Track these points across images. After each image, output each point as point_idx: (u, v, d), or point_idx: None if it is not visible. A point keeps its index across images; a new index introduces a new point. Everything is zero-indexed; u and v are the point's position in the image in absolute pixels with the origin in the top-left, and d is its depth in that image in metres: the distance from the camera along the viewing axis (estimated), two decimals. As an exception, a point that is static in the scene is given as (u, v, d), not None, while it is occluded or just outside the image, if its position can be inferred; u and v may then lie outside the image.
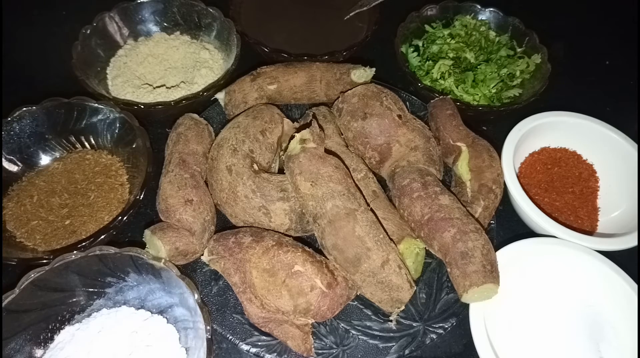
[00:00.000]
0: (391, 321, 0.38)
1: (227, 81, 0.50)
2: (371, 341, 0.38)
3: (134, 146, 0.45)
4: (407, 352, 0.37)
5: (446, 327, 0.38)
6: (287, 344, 0.36)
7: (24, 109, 0.45)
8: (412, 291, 0.36)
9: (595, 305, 0.40)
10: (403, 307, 0.36)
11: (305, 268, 0.35)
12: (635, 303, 0.38)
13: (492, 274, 0.36)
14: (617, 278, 0.39)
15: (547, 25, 0.56)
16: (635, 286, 0.39)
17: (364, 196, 0.38)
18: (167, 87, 0.52)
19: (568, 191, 0.47)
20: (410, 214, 0.40)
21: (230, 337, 0.37)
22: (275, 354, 0.36)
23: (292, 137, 0.39)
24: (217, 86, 0.49)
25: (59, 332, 0.36)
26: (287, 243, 0.37)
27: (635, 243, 0.41)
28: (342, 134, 0.46)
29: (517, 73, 0.54)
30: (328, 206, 0.35)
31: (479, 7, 0.59)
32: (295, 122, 0.46)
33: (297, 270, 0.35)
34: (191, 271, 0.41)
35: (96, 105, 0.46)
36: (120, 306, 0.38)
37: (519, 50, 0.57)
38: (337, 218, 0.35)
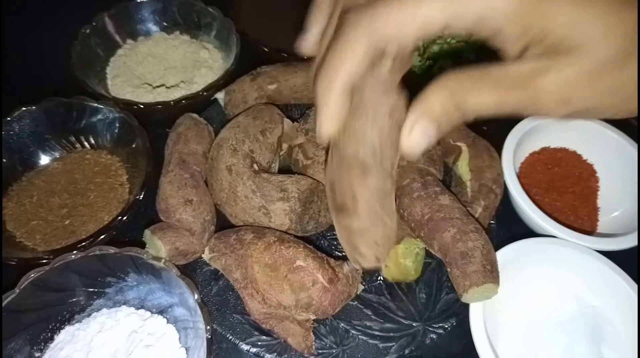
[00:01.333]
0: (392, 321, 0.38)
1: (226, 80, 0.50)
2: (371, 341, 0.38)
3: (133, 146, 0.45)
4: (407, 351, 0.37)
5: (446, 327, 0.38)
6: (288, 341, 0.36)
7: (24, 109, 0.45)
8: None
9: (596, 305, 0.40)
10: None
11: (307, 263, 0.35)
12: (635, 303, 0.38)
13: (492, 274, 0.36)
14: (618, 279, 0.39)
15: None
16: (636, 286, 0.39)
17: None
18: (166, 87, 0.52)
19: (568, 191, 0.47)
20: (410, 214, 0.40)
21: (230, 337, 0.37)
22: (275, 354, 0.36)
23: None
24: (216, 86, 0.49)
25: (59, 331, 0.36)
26: (288, 239, 0.37)
27: (636, 243, 0.41)
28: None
29: (517, 73, 0.54)
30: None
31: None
32: (295, 122, 0.46)
33: (299, 264, 0.35)
34: (191, 271, 0.41)
35: (96, 105, 0.46)
36: (120, 306, 0.38)
37: (519, 50, 0.57)
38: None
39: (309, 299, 0.35)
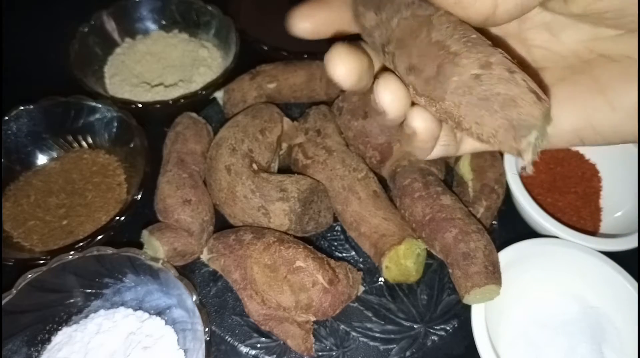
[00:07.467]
0: (393, 323, 0.38)
1: (226, 79, 0.49)
2: (372, 343, 0.37)
3: (131, 145, 0.45)
4: (408, 353, 0.37)
5: (448, 328, 0.38)
6: (287, 343, 0.36)
7: (21, 108, 0.44)
8: (541, 104, 0.19)
9: (598, 306, 0.40)
10: (535, 134, 0.20)
11: (307, 263, 0.35)
12: (637, 304, 0.38)
13: (494, 275, 0.35)
14: (620, 279, 0.39)
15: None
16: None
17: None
18: (165, 86, 0.52)
19: (571, 191, 0.47)
20: (411, 215, 0.39)
21: (229, 339, 0.37)
22: (275, 356, 0.36)
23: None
24: (215, 85, 0.49)
25: (56, 333, 0.36)
26: (288, 240, 0.37)
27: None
28: (343, 134, 0.46)
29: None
30: (394, 24, 0.23)
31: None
32: (295, 122, 0.46)
33: (299, 265, 0.35)
34: (189, 272, 0.40)
35: (94, 104, 0.45)
36: (117, 307, 0.38)
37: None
38: (407, 32, 0.22)
39: (308, 300, 0.35)
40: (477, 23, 0.21)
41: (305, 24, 0.24)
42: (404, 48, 0.22)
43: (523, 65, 0.24)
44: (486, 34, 0.21)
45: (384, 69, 0.24)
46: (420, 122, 0.22)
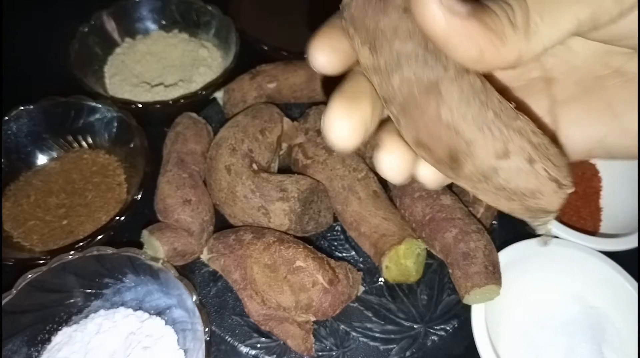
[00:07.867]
0: (393, 323, 0.38)
1: (226, 79, 0.49)
2: (372, 343, 0.37)
3: (131, 145, 0.45)
4: (408, 354, 0.37)
5: (448, 328, 0.38)
6: (287, 343, 0.36)
7: (21, 108, 0.44)
8: (562, 192, 0.20)
9: (598, 306, 0.40)
10: (553, 217, 0.21)
11: (307, 263, 0.35)
12: (637, 304, 0.38)
13: (494, 275, 0.35)
14: (620, 280, 0.39)
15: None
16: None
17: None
18: (165, 86, 0.52)
19: (571, 190, 0.47)
20: (411, 215, 0.39)
21: (229, 339, 0.37)
22: (275, 356, 0.36)
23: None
24: (215, 85, 0.49)
25: (56, 333, 0.36)
26: (288, 240, 0.37)
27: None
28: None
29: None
30: (395, 82, 0.20)
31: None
32: (294, 122, 0.46)
33: (299, 265, 0.35)
34: (189, 272, 0.40)
35: (94, 104, 0.45)
36: (117, 307, 0.38)
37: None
38: (411, 101, 0.20)
39: (308, 300, 0.35)
40: (494, 72, 0.19)
41: (328, 58, 0.19)
42: (409, 118, 0.19)
43: (531, 115, 0.21)
44: None
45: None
46: (430, 179, 0.20)
